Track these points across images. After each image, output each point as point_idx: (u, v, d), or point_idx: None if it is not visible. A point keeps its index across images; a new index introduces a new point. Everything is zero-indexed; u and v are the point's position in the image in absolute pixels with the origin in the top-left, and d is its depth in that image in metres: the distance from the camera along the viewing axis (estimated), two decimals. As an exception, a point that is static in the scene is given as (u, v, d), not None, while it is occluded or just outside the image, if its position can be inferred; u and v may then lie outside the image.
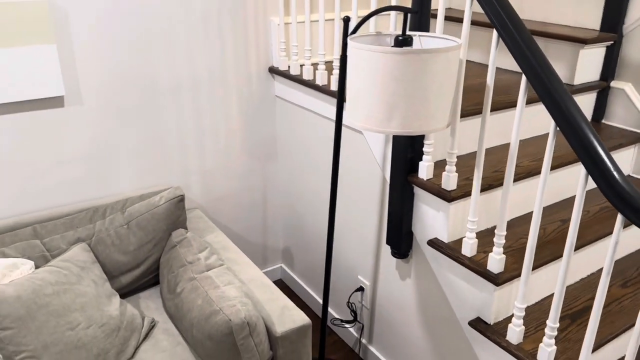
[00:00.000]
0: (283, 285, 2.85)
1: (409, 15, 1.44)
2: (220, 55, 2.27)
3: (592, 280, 1.85)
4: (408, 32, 1.44)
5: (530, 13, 2.46)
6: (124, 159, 2.17)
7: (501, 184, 1.75)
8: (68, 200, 2.10)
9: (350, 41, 1.36)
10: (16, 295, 1.57)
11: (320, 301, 2.58)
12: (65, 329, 1.60)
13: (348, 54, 1.38)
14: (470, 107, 1.86)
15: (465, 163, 1.86)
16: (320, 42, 2.09)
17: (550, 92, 1.26)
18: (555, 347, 1.45)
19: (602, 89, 2.24)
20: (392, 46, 1.45)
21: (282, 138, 2.54)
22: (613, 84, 2.22)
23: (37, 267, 1.82)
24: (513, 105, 1.96)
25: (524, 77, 1.34)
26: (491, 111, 1.91)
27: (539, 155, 1.94)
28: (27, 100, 1.90)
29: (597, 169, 1.18)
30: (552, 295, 1.76)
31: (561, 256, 1.68)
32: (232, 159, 2.47)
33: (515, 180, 1.78)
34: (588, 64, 2.18)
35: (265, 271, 2.83)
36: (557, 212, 1.93)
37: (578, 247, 1.74)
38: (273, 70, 2.40)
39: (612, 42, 2.17)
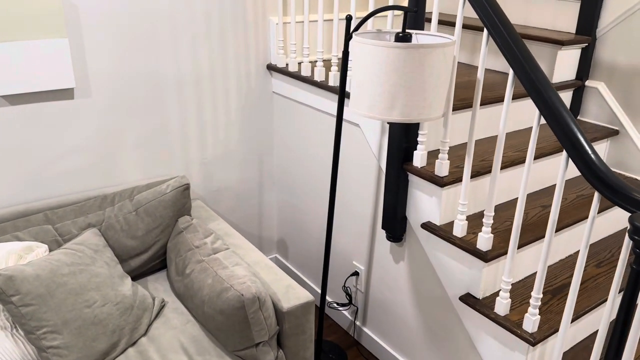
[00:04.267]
0: (277, 274, 2.96)
1: (408, 14, 1.58)
2: (221, 53, 2.38)
3: (569, 261, 2.01)
4: (407, 30, 1.58)
5: (510, 16, 2.63)
6: (129, 149, 2.27)
7: (488, 172, 1.91)
8: (76, 188, 2.18)
9: (355, 37, 1.49)
10: (35, 274, 1.66)
11: (316, 288, 2.71)
12: (83, 307, 1.70)
13: (352, 49, 1.51)
14: (458, 102, 2.01)
15: (455, 153, 2.01)
16: (319, 41, 2.23)
17: (535, 84, 1.41)
18: (539, 317, 1.61)
19: (578, 88, 2.42)
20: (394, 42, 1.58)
21: (278, 132, 2.67)
22: (587, 83, 2.40)
23: (50, 250, 1.91)
24: (498, 100, 2.12)
25: (511, 72, 1.49)
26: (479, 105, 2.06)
27: (521, 146, 2.10)
28: (39, 91, 1.98)
29: (577, 153, 1.34)
30: (534, 273, 1.92)
31: (542, 237, 1.84)
32: (231, 151, 2.58)
33: (500, 169, 1.94)
34: (565, 64, 2.36)
35: (260, 261, 2.95)
36: (538, 199, 2.09)
37: (557, 230, 1.90)
38: (271, 68, 2.52)
39: (586, 45, 2.35)
